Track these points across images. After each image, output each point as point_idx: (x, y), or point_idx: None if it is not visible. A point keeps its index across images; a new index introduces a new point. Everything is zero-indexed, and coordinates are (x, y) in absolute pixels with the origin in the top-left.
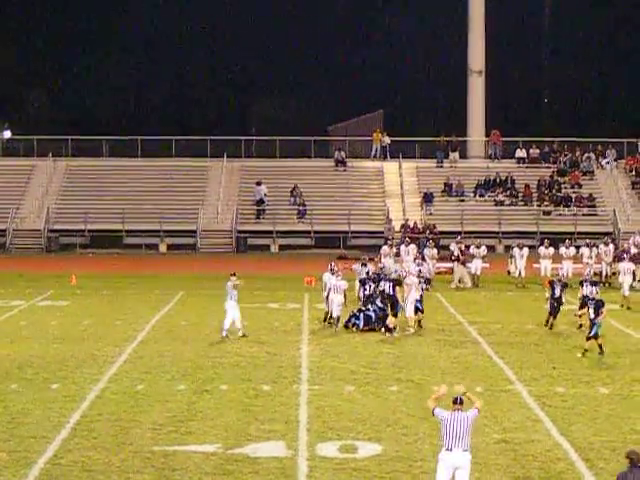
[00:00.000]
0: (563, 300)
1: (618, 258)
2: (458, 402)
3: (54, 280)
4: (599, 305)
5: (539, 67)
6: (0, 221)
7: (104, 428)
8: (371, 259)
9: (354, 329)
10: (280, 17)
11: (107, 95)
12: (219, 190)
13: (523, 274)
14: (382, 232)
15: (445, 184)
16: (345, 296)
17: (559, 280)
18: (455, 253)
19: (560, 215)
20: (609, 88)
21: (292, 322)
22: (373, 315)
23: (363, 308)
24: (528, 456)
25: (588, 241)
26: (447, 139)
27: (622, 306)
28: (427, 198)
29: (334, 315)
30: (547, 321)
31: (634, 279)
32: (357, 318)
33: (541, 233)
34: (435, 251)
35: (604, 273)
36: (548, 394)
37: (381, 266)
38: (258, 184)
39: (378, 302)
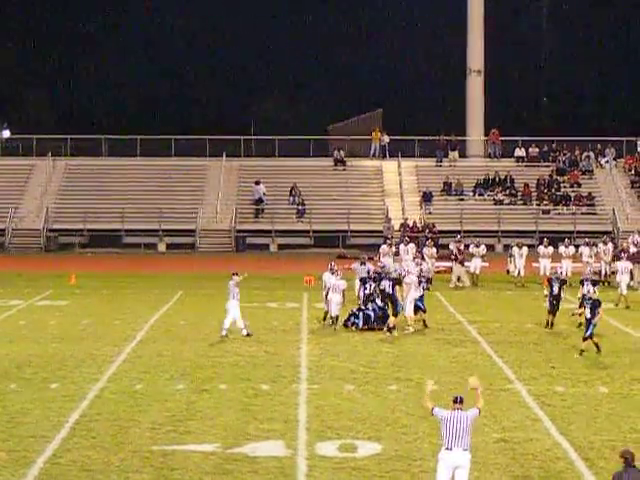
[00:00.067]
0: (562, 297)
1: (617, 257)
2: (458, 401)
3: (53, 280)
4: (596, 305)
5: (538, 66)
6: None
7: (103, 427)
8: (370, 258)
9: (353, 328)
10: (280, 16)
11: (106, 94)
12: (218, 189)
13: (522, 273)
14: (381, 231)
15: (444, 183)
16: (344, 296)
17: (557, 278)
18: (454, 252)
19: (559, 214)
20: (608, 87)
21: (291, 321)
22: (372, 314)
23: (363, 307)
24: (527, 455)
25: (588, 240)
26: (446, 138)
27: (617, 305)
28: (426, 197)
29: (332, 314)
30: (547, 322)
31: (632, 278)
32: (356, 317)
33: (540, 232)
34: (434, 250)
35: (603, 272)
36: (547, 393)
37: (382, 265)
38: (257, 183)
39: (378, 301)
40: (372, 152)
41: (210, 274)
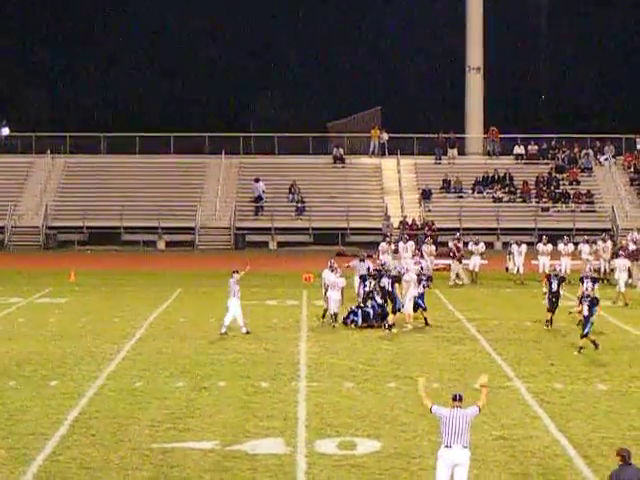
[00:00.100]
0: (561, 295)
1: (615, 255)
2: (457, 399)
3: (52, 277)
4: (594, 302)
5: (537, 64)
6: None
7: (102, 425)
8: (369, 256)
9: (352, 326)
10: (279, 14)
11: (105, 92)
12: (217, 187)
13: (521, 271)
14: (380, 229)
15: (443, 181)
16: (342, 293)
17: (556, 275)
18: (452, 250)
19: (558, 212)
20: (607, 84)
21: (291, 319)
22: (371, 312)
23: (362, 305)
24: (526, 452)
25: (588, 237)
26: (445, 136)
27: (614, 302)
28: (425, 195)
29: (331, 312)
30: (547, 321)
31: (630, 276)
32: (355, 315)
33: (539, 230)
34: (433, 247)
35: (602, 270)
36: (546, 391)
37: (382, 262)
38: (256, 181)
39: (377, 298)
40: (371, 150)
41: (209, 272)
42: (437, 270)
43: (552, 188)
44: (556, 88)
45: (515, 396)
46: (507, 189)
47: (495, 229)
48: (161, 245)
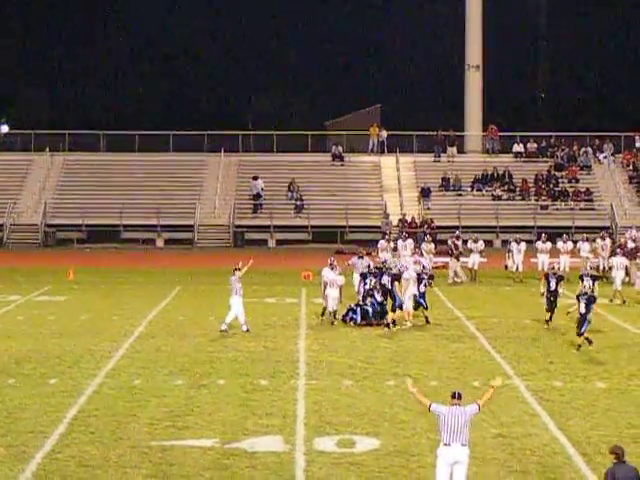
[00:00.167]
0: (560, 293)
1: (613, 252)
2: (456, 397)
3: (51, 275)
4: (591, 300)
5: (537, 62)
6: None
7: (101, 423)
8: (368, 253)
9: (351, 324)
10: (278, 13)
11: (104, 90)
12: (216, 185)
13: (520, 269)
14: (379, 227)
15: (442, 179)
16: (341, 291)
17: (555, 273)
18: (451, 247)
19: (557, 209)
20: (607, 82)
21: (289, 317)
22: (370, 310)
23: (361, 303)
24: (525, 450)
25: (587, 236)
26: (444, 134)
27: (611, 301)
28: (424, 193)
29: (329, 309)
30: (546, 320)
31: (627, 274)
32: (355, 313)
33: (538, 227)
34: (432, 246)
35: (601, 267)
36: (545, 388)
37: (383, 260)
38: (255, 179)
39: (377, 296)
40: (370, 147)
41: (208, 269)
42: (436, 268)
43: (551, 186)
44: (555, 86)
45: (514, 394)
46: (506, 187)
47: (494, 227)
48: (160, 243)
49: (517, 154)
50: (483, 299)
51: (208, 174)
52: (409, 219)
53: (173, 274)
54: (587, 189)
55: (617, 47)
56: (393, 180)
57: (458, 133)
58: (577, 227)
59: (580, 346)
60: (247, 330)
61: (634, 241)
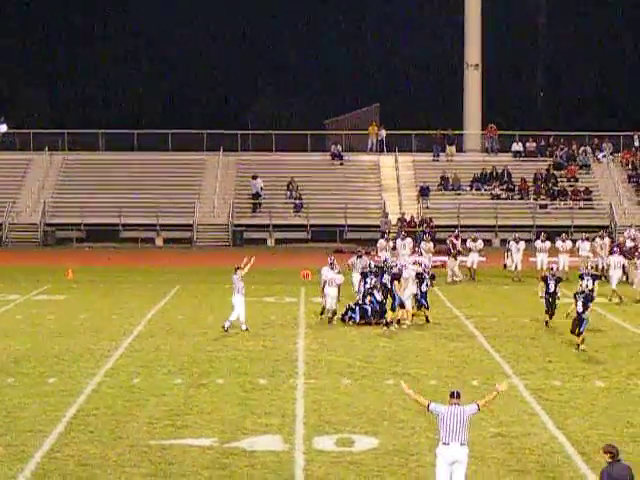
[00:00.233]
0: (558, 295)
1: (611, 251)
2: (455, 396)
3: (50, 274)
4: (588, 299)
5: (536, 61)
6: None
7: (100, 422)
8: (367, 252)
9: (350, 323)
10: (277, 12)
11: (104, 89)
12: (215, 184)
13: (519, 268)
14: (378, 226)
15: (441, 178)
16: (339, 290)
17: (553, 275)
18: (449, 246)
19: (556, 209)
20: (606, 82)
21: (288, 316)
22: (369, 309)
23: (360, 302)
24: (524, 449)
25: (588, 235)
26: (443, 133)
27: (610, 300)
28: (423, 192)
29: (327, 307)
30: (545, 322)
31: (624, 273)
32: (353, 312)
33: (537, 227)
34: (431, 245)
35: (600, 267)
36: (544, 387)
37: (384, 259)
38: (254, 178)
39: (377, 295)
40: (369, 147)
41: (207, 268)
42: (434, 267)
43: (550, 185)
44: (554, 85)
45: (513, 393)
46: (505, 186)
47: (493, 226)
48: (159, 242)
49: (516, 153)
50: (482, 298)
51: (207, 173)
52: (408, 218)
53: (172, 273)
54: (586, 188)
55: (616, 46)
56: (392, 179)
57: (457, 132)
58: (576, 226)
59: (579, 345)
60: (246, 329)
61: (633, 240)
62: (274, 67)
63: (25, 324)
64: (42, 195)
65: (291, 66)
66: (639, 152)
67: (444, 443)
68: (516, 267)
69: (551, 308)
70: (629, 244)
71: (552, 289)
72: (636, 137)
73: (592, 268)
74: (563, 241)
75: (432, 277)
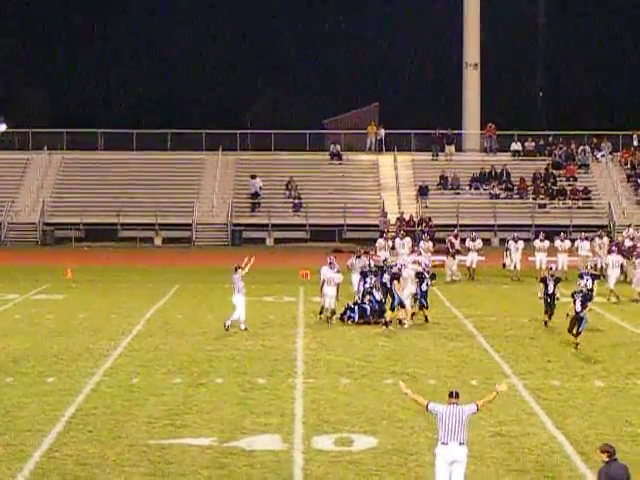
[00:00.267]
0: (557, 295)
1: (609, 251)
2: (454, 396)
3: (49, 273)
4: (586, 298)
5: (535, 60)
6: None
7: (99, 421)
8: (366, 252)
9: (349, 322)
10: (277, 11)
11: (103, 88)
12: (214, 183)
13: (518, 267)
14: (377, 225)
15: (440, 177)
16: (338, 289)
17: (552, 275)
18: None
19: (555, 208)
20: (604, 81)
21: (287, 315)
22: (368, 308)
23: (359, 301)
24: (523, 449)
25: (588, 235)
26: (443, 132)
27: (609, 299)
28: (422, 191)
29: (326, 306)
30: (545, 322)
31: (621, 272)
32: (352, 311)
33: (536, 226)
34: (430, 244)
35: (599, 266)
36: (543, 387)
37: (384, 258)
38: (253, 177)
39: (376, 294)
40: (368, 146)
41: (206, 268)
42: (433, 266)
43: (549, 185)
44: (553, 85)
45: (512, 392)
46: (504, 185)
47: (492, 225)
48: (158, 241)
49: (515, 153)
50: (481, 297)
51: (206, 173)
52: (407, 217)
53: (171, 272)
54: (585, 188)
55: (615, 46)
56: (391, 178)
57: (456, 131)
58: (575, 226)
59: (578, 344)
60: (245, 329)
61: (632, 239)
62: (273, 67)
63: (24, 323)
64: (41, 194)
65: (290, 66)
66: (638, 151)
67: (443, 443)
68: (515, 266)
69: (550, 308)
70: (628, 243)
71: (551, 290)
72: (635, 136)
73: (592, 268)
74: (562, 240)
75: (432, 276)
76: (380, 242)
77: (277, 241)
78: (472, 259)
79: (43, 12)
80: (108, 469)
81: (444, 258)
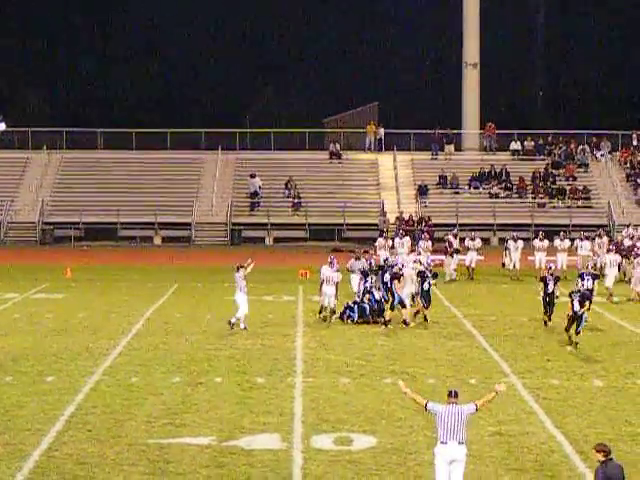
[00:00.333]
0: (557, 294)
1: (608, 250)
2: (453, 395)
3: (49, 273)
4: (584, 298)
5: (534, 60)
6: None
7: (99, 420)
8: (365, 252)
9: (349, 321)
10: (276, 11)
11: (102, 88)
12: (214, 183)
13: (518, 266)
14: (377, 224)
15: (440, 176)
16: (337, 288)
17: (552, 274)
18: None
19: (555, 207)
20: (604, 80)
21: (287, 314)
22: (367, 307)
23: (358, 300)
24: (522, 448)
25: (588, 234)
26: (442, 131)
27: (608, 299)
28: (422, 190)
29: (325, 306)
30: (545, 322)
31: (619, 271)
32: (352, 310)
33: (536, 225)
34: (430, 243)
35: (598, 265)
36: (542, 386)
37: (385, 258)
38: (252, 176)
39: (375, 294)
40: (368, 145)
41: (206, 267)
42: (433, 266)
43: (548, 184)
44: (553, 84)
45: (511, 392)
46: (504, 185)
47: (491, 225)
48: (157, 241)
49: (514, 152)
50: (480, 297)
51: (205, 172)
52: (406, 217)
53: (170, 272)
54: (584, 187)
55: (615, 45)
56: (390, 178)
57: (455, 131)
58: (574, 225)
59: (577, 344)
60: (244, 328)
61: (631, 239)
62: (273, 66)
63: (23, 322)
64: (40, 194)
65: (290, 66)
66: (637, 151)
67: (442, 442)
68: (514, 266)
69: (549, 308)
70: (627, 243)
71: (550, 289)
72: (634, 136)
73: (592, 267)
74: (561, 240)
75: (434, 275)
76: (380, 241)
77: (276, 240)
78: (471, 258)
79: (43, 12)
80: (107, 468)
81: (443, 257)
